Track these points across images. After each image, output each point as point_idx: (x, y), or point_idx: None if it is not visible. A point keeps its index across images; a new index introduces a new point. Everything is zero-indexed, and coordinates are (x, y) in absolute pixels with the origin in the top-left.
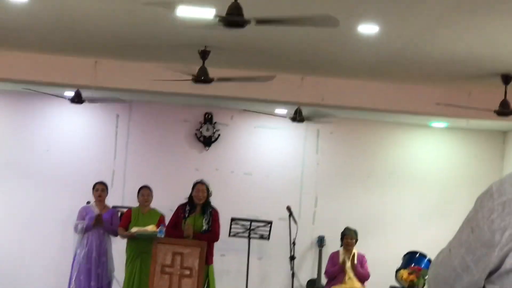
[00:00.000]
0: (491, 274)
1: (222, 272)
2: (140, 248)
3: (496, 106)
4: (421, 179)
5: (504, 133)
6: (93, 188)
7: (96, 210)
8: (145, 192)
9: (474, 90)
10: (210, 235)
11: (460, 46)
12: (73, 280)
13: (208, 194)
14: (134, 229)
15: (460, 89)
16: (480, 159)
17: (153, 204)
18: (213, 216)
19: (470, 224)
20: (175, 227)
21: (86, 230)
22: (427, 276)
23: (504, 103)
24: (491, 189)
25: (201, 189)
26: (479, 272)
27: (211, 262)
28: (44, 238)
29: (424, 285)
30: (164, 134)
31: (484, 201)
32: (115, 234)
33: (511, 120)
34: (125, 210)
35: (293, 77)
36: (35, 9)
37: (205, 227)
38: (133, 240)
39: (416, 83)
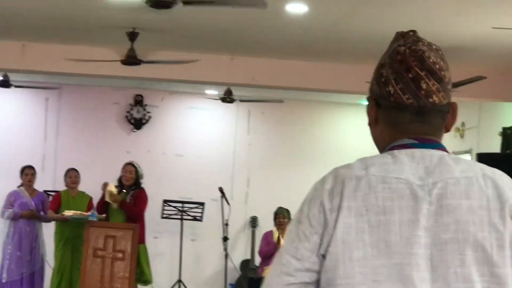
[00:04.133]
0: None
1: (155, 254)
2: (72, 233)
3: None
4: (353, 157)
5: None
6: (22, 172)
7: (26, 196)
8: (72, 174)
9: None
10: (133, 207)
11: (390, 24)
12: (4, 269)
13: (137, 175)
14: (68, 213)
15: None
16: None
17: (85, 187)
18: (137, 194)
19: (297, 220)
20: (103, 206)
21: (13, 218)
22: None
23: None
24: (315, 186)
25: (128, 169)
26: (312, 253)
27: (141, 241)
28: None
29: None
30: (94, 117)
31: (310, 195)
32: (49, 221)
33: None
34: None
35: (223, 57)
36: None
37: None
38: (64, 225)
39: (346, 61)
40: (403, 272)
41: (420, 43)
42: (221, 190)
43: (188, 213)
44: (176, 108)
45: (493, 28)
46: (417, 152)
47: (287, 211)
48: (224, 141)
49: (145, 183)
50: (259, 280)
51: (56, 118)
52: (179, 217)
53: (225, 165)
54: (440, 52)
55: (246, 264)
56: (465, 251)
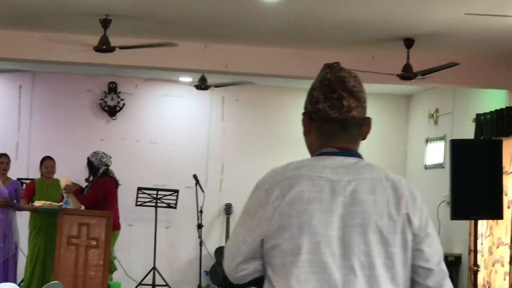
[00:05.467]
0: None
1: (130, 242)
2: (44, 221)
3: (399, 70)
4: None
5: (408, 97)
6: None
7: None
8: (49, 164)
9: (377, 55)
10: (82, 197)
11: (362, 10)
12: None
13: (90, 165)
14: (38, 203)
15: (363, 53)
16: (385, 123)
17: (59, 175)
18: (92, 184)
19: (246, 212)
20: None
21: None
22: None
23: (406, 67)
24: (257, 185)
25: (86, 162)
26: (255, 240)
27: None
28: None
29: None
30: (68, 104)
31: (253, 193)
32: (22, 210)
33: (414, 84)
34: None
35: (196, 44)
36: None
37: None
38: (37, 214)
39: (319, 48)
40: (320, 248)
41: (342, 71)
42: (195, 177)
43: (162, 200)
44: (150, 96)
45: (466, 14)
46: (338, 158)
47: None
48: (198, 128)
49: (119, 171)
50: None
51: (29, 106)
52: (153, 204)
53: (199, 152)
54: (357, 78)
55: (220, 252)
56: (367, 234)
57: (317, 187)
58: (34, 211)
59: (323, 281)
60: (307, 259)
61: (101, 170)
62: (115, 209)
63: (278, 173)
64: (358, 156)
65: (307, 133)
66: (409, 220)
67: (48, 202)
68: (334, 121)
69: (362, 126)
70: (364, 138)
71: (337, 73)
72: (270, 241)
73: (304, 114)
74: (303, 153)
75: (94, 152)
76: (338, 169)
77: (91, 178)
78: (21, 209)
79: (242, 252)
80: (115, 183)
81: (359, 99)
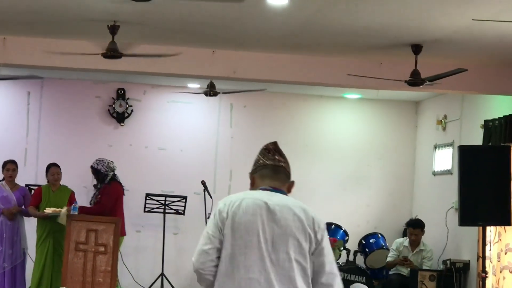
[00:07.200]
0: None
1: (138, 248)
2: (53, 227)
3: (407, 76)
4: (336, 151)
5: (416, 103)
6: (3, 167)
7: (7, 190)
8: (54, 171)
9: (385, 61)
10: (95, 206)
11: (370, 17)
12: None
13: (97, 172)
14: (48, 210)
15: (371, 59)
16: (393, 129)
17: (68, 181)
18: (102, 190)
19: (212, 218)
20: None
21: None
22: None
23: (414, 73)
24: (219, 203)
25: (91, 171)
26: (218, 232)
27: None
28: None
29: (340, 256)
30: (76, 110)
31: (217, 207)
32: (29, 215)
33: (422, 90)
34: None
35: (204, 50)
36: None
37: (92, 200)
38: (44, 219)
39: (327, 54)
40: (260, 245)
41: (276, 143)
42: (203, 183)
43: (170, 206)
44: (159, 102)
45: (473, 20)
46: (272, 193)
47: None
48: (207, 135)
49: (127, 177)
50: None
51: (38, 112)
52: (161, 210)
53: (208, 158)
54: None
55: None
56: (288, 240)
57: (258, 206)
58: (45, 218)
59: (261, 266)
60: (252, 252)
61: (109, 176)
62: (122, 215)
63: (234, 197)
64: (285, 193)
65: (252, 185)
66: (314, 234)
67: (58, 209)
68: (268, 167)
69: (288, 179)
70: (289, 192)
71: (271, 143)
72: (226, 236)
73: (250, 174)
74: (311, 159)
75: (99, 160)
76: (272, 198)
77: (99, 185)
78: (29, 215)
79: (209, 240)
80: (122, 189)
81: (286, 159)
